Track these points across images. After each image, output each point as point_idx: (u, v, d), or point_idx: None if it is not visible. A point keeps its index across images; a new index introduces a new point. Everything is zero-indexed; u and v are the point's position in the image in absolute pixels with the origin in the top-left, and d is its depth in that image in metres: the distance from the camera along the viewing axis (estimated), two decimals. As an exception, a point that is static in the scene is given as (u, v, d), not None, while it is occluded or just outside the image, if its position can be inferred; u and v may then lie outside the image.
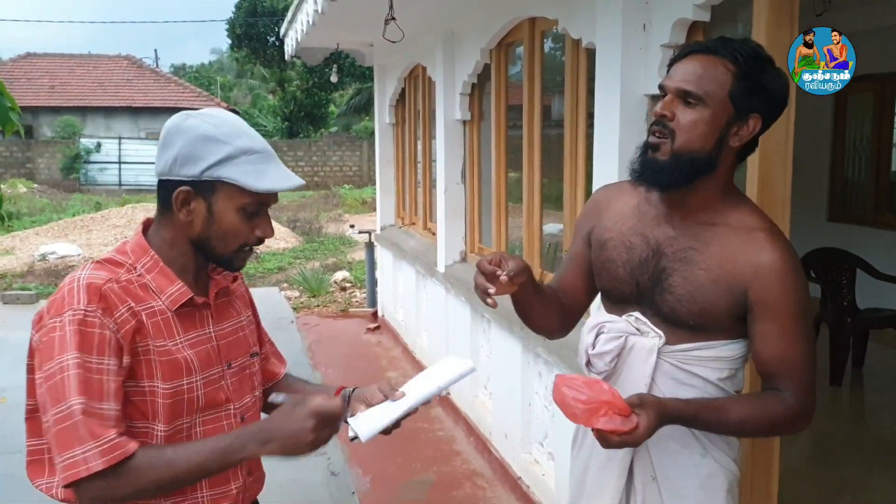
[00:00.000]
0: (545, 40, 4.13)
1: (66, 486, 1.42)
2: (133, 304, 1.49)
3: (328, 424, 1.48)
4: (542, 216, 4.17)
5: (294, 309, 8.98)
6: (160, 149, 1.55)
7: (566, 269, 1.98)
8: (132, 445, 1.43)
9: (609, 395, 1.56)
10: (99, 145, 24.91)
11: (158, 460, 1.44)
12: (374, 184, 8.37)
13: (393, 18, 4.81)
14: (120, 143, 25.15)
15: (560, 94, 3.96)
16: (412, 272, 6.46)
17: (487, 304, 1.70)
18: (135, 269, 1.54)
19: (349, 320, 8.38)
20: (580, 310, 1.98)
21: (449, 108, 5.24)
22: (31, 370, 1.53)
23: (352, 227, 10.05)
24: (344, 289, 9.99)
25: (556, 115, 4.10)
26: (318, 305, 9.23)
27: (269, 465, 1.72)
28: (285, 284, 10.48)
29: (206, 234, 1.55)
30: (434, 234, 5.98)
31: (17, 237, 14.08)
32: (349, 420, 1.54)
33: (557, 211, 4.14)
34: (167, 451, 1.47)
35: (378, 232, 7.97)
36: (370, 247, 8.43)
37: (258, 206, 1.55)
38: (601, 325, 1.81)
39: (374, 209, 8.93)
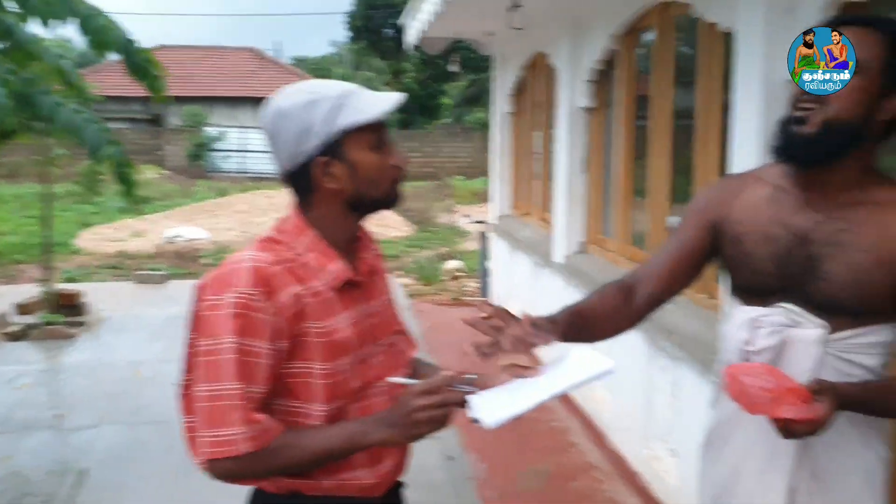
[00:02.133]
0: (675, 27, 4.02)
1: (208, 460, 1.46)
2: (296, 287, 1.50)
3: (437, 404, 1.47)
4: (670, 207, 4.06)
5: (408, 296, 9.11)
6: (273, 148, 1.56)
7: (666, 255, 1.85)
8: (276, 430, 1.47)
9: (792, 382, 1.50)
10: (223, 134, 25.95)
11: (295, 444, 1.49)
12: (486, 175, 8.37)
13: (519, 6, 4.79)
14: (242, 133, 26.13)
15: (685, 84, 3.85)
16: (528, 262, 6.43)
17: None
18: (294, 248, 1.55)
19: (462, 309, 8.42)
20: (665, 299, 1.85)
21: (572, 96, 5.17)
22: (191, 345, 1.55)
23: (466, 216, 10.10)
24: (456, 278, 10.05)
25: (682, 105, 3.98)
26: (431, 294, 9.33)
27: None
28: (399, 272, 10.64)
29: (358, 187, 1.55)
30: (550, 224, 5.93)
31: (148, 220, 14.85)
32: (471, 398, 1.50)
33: (682, 204, 4.03)
34: (303, 436, 1.50)
35: (492, 222, 7.97)
36: (483, 237, 8.44)
37: (383, 138, 1.57)
38: (756, 318, 1.70)
39: (485, 200, 8.94)
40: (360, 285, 1.62)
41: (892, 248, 1.61)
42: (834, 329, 1.65)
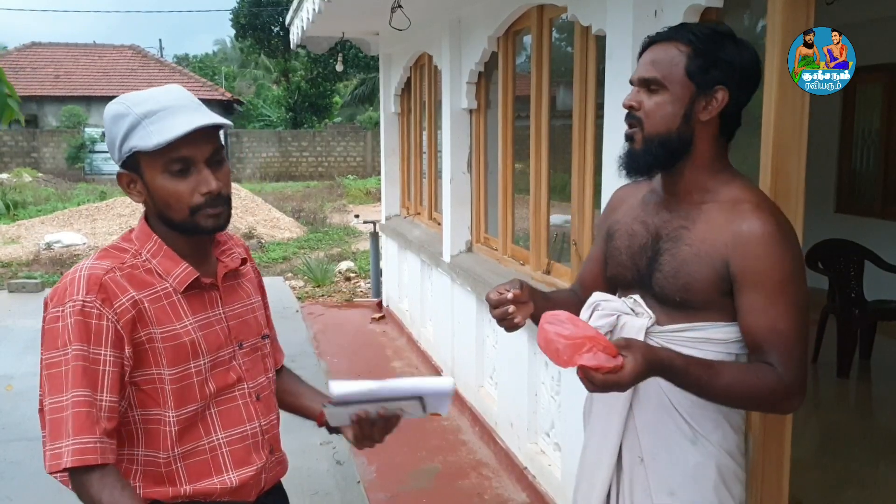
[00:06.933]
0: (553, 29, 4.10)
1: (50, 473, 1.45)
2: (135, 293, 1.50)
3: None
4: (550, 206, 4.15)
5: (299, 298, 8.98)
6: None
7: (588, 267, 2.05)
8: (101, 459, 1.42)
9: (594, 331, 1.47)
10: (103, 135, 24.86)
11: (112, 491, 1.43)
12: (378, 174, 8.34)
13: (399, 6, 4.78)
14: (124, 133, 25.12)
15: (566, 84, 3.93)
16: (417, 262, 6.45)
17: (515, 322, 1.77)
18: (140, 254, 1.55)
19: (354, 310, 8.37)
20: None
21: (455, 97, 5.20)
22: (41, 360, 1.53)
23: (356, 217, 10.03)
24: (348, 279, 9.98)
25: (561, 106, 4.07)
26: (322, 295, 9.22)
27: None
28: (290, 274, 10.48)
29: (157, 206, 1.54)
30: (439, 223, 5.96)
31: (23, 226, 14.08)
32: (332, 382, 1.56)
33: (563, 202, 4.11)
34: (119, 494, 1.43)
35: (383, 222, 7.95)
36: (375, 237, 8.41)
37: (182, 163, 1.48)
38: (597, 303, 1.85)
39: (378, 199, 8.93)
40: (213, 288, 1.61)
41: (712, 241, 1.68)
42: (666, 321, 1.75)
